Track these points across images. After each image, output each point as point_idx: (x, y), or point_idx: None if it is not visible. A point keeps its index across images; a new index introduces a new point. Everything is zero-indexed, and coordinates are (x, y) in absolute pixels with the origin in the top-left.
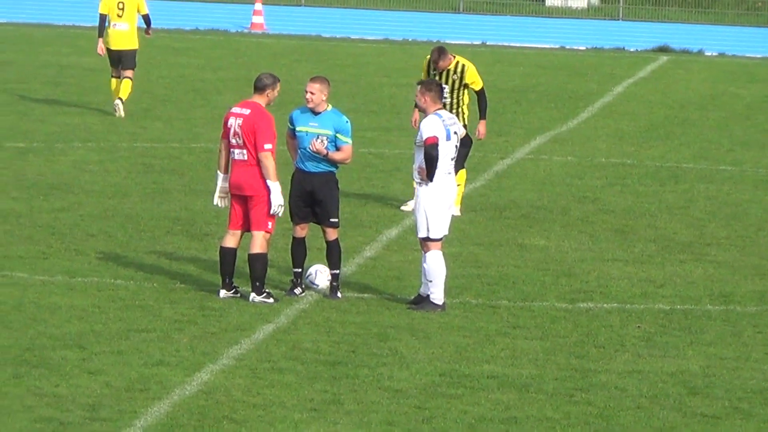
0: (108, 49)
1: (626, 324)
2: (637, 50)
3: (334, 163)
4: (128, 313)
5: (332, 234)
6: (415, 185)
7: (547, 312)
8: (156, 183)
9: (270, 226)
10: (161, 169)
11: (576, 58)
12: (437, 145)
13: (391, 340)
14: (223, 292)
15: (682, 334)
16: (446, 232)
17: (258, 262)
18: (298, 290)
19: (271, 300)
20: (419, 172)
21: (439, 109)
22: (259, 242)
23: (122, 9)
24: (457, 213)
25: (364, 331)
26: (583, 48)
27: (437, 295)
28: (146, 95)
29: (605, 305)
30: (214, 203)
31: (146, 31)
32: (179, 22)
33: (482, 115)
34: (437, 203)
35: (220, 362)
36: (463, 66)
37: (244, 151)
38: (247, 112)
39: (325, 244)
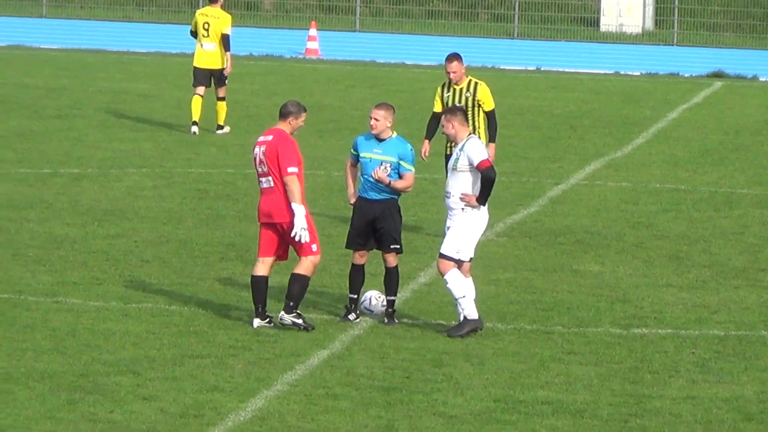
0: (195, 67)
1: (681, 350)
2: (691, 76)
3: (396, 191)
4: (182, 339)
5: (393, 260)
6: (450, 212)
7: (602, 338)
8: (210, 209)
9: (315, 249)
10: (215, 195)
11: (630, 84)
12: (493, 167)
13: (445, 365)
14: (257, 321)
15: (736, 360)
16: (471, 255)
17: (297, 282)
18: (352, 316)
19: (300, 321)
20: (463, 198)
21: (470, 134)
22: (305, 265)
23: (207, 30)
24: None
25: (419, 357)
26: (637, 73)
27: (469, 311)
28: (202, 122)
29: (660, 331)
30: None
31: (228, 62)
32: (234, 48)
33: (491, 138)
34: (476, 227)
35: (274, 388)
36: (476, 84)
37: (270, 179)
38: (269, 138)
39: (380, 270)
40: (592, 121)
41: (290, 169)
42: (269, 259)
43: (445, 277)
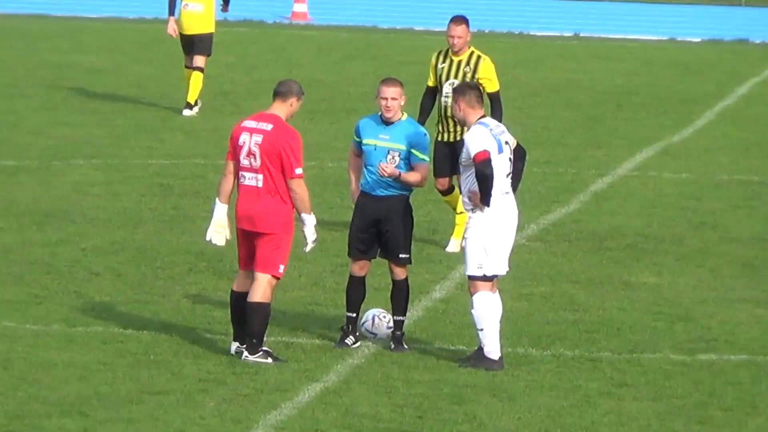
0: (180, 35)
1: (758, 380)
2: (763, 42)
3: (407, 186)
4: (141, 371)
5: (401, 272)
6: (466, 214)
7: (660, 366)
8: (176, 209)
9: (281, 270)
10: (182, 191)
11: (690, 53)
12: (490, 160)
13: (467, 402)
14: (234, 346)
15: None
16: (506, 269)
17: (257, 313)
18: (350, 340)
19: (270, 360)
20: (471, 198)
21: (482, 117)
22: (262, 288)
23: None
24: (455, 248)
25: (434, 392)
26: (697, 40)
27: (491, 348)
28: (164, 101)
29: (732, 357)
30: (207, 238)
31: (223, 7)
32: None
33: None
34: (494, 232)
35: None
36: (478, 57)
37: (260, 177)
38: (267, 127)
39: (385, 284)
40: (643, 99)
41: (298, 170)
42: (251, 272)
43: (473, 297)
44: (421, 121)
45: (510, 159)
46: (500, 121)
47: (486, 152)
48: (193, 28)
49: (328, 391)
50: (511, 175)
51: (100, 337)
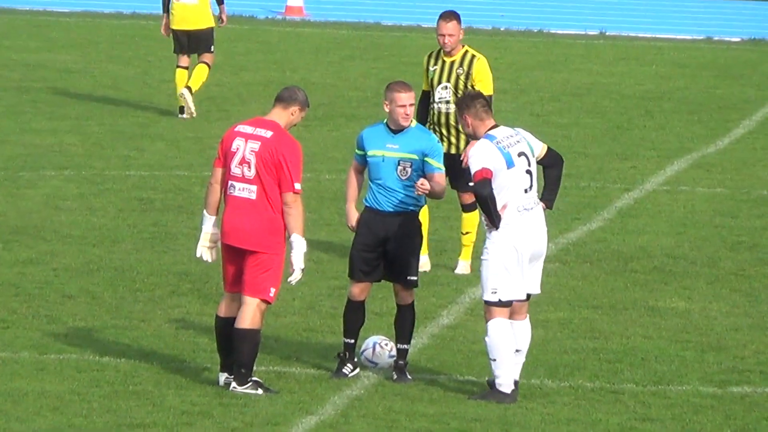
0: (173, 31)
1: None
2: None
3: (418, 202)
4: (119, 402)
5: (408, 297)
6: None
7: (689, 399)
8: (157, 225)
9: (272, 294)
10: (163, 206)
11: (727, 54)
12: (490, 180)
13: None
14: (223, 377)
15: None
16: (532, 292)
17: (245, 341)
18: (347, 369)
19: (260, 391)
20: (486, 220)
21: (492, 127)
22: (250, 313)
23: None
24: (465, 270)
25: (440, 427)
26: (737, 39)
27: (503, 380)
28: (142, 105)
29: (767, 390)
30: (197, 254)
31: (219, 17)
32: None
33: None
34: (511, 254)
35: None
36: (473, 57)
37: (253, 188)
38: (267, 134)
39: (386, 309)
40: (675, 105)
41: (297, 186)
42: (238, 295)
43: (486, 325)
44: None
45: (528, 171)
46: None
47: (485, 171)
48: (188, 23)
49: (324, 425)
50: (532, 189)
51: (74, 365)
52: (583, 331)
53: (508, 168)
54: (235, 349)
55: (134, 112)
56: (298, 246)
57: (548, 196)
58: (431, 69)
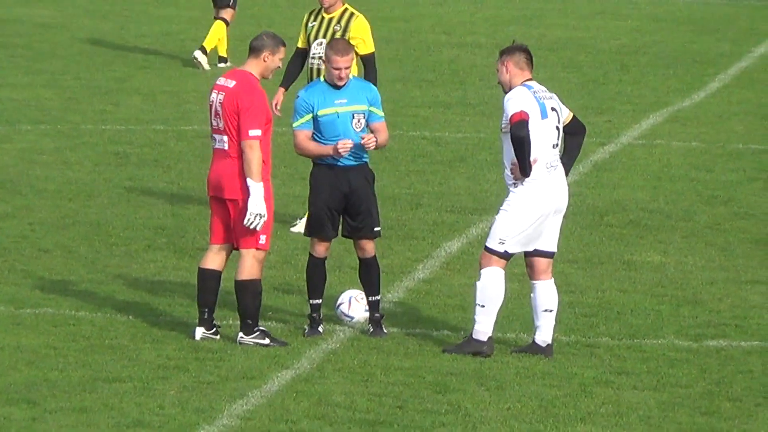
0: None
1: None
2: None
3: (375, 150)
4: (94, 356)
5: (372, 248)
6: (508, 187)
7: (664, 353)
8: (132, 179)
9: (263, 241)
10: (139, 160)
11: (703, 8)
12: (527, 122)
13: (451, 391)
14: (200, 331)
15: None
16: (552, 250)
17: (247, 292)
18: (322, 328)
19: (266, 341)
20: (512, 170)
21: (528, 80)
22: (248, 264)
23: None
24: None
25: (416, 380)
26: None
27: (482, 327)
28: (119, 60)
29: (742, 343)
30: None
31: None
32: None
33: None
34: (529, 208)
35: (219, 422)
36: (351, 15)
37: (225, 139)
38: (231, 84)
39: (339, 264)
40: (651, 59)
41: (252, 132)
42: (223, 247)
43: (482, 270)
44: (285, 87)
45: (558, 128)
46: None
47: (523, 113)
48: None
49: (300, 379)
50: (558, 146)
51: (50, 319)
52: (559, 285)
53: (542, 118)
54: (239, 300)
55: (110, 66)
56: (254, 191)
57: (567, 161)
58: (309, 25)
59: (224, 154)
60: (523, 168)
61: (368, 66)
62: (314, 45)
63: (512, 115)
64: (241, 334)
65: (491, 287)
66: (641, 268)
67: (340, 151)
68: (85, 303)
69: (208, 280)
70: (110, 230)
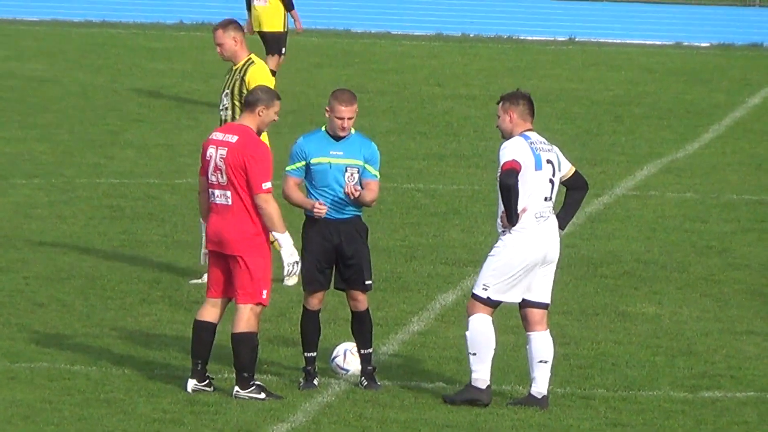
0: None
1: (766, 420)
2: None
3: (362, 206)
4: (90, 410)
5: (364, 301)
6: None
7: (660, 404)
8: (127, 233)
9: (264, 296)
10: (134, 214)
11: (697, 59)
12: (517, 172)
13: None
14: (192, 383)
15: None
16: (545, 301)
17: (244, 345)
18: (317, 381)
19: (262, 395)
20: (502, 218)
21: (528, 130)
22: (246, 318)
23: None
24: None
25: None
26: (706, 44)
27: (480, 375)
28: (112, 113)
29: (738, 394)
30: (201, 262)
31: (295, 23)
32: (158, 14)
33: None
34: (514, 256)
35: None
36: (250, 63)
37: (228, 193)
38: (233, 139)
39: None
40: (645, 110)
41: (265, 185)
42: (220, 301)
43: (470, 318)
44: None
45: (551, 181)
46: None
47: (514, 162)
48: (260, 25)
49: None
50: (551, 200)
51: (45, 373)
52: (554, 337)
53: (536, 169)
54: (235, 353)
55: (104, 120)
56: (284, 243)
57: (563, 215)
58: (226, 77)
59: (227, 209)
60: (510, 217)
61: None
62: (222, 96)
63: (504, 163)
64: (237, 388)
65: (479, 334)
66: (636, 320)
67: (314, 211)
68: (81, 357)
69: (204, 332)
70: (105, 284)
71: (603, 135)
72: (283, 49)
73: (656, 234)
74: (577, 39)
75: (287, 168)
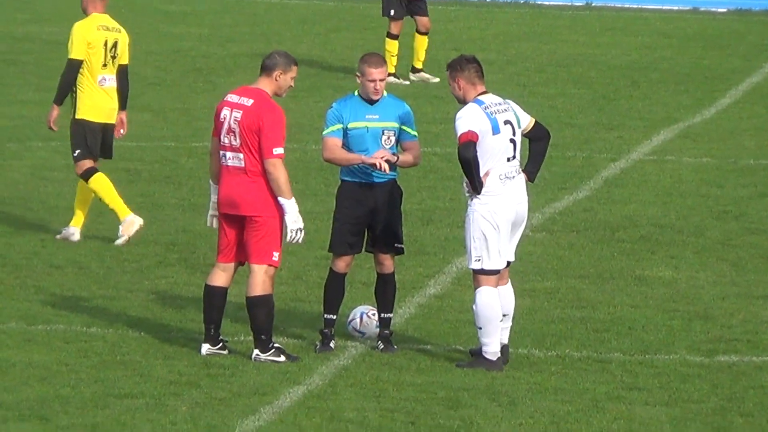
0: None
1: None
2: None
3: (403, 167)
4: (107, 372)
5: (391, 264)
6: (466, 199)
7: (676, 368)
8: (144, 196)
9: (276, 258)
10: (150, 177)
11: (714, 24)
12: (474, 144)
13: (463, 407)
14: (206, 347)
15: None
16: (509, 259)
17: (261, 308)
18: (333, 343)
19: (282, 358)
20: (468, 185)
21: (482, 93)
22: (260, 280)
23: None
24: (77, 237)
25: (427, 396)
26: (723, 10)
27: (490, 348)
28: (131, 77)
29: (754, 358)
30: (208, 224)
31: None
32: None
33: (122, 105)
34: (491, 221)
35: None
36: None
37: (241, 156)
38: (248, 102)
39: (358, 279)
40: (661, 75)
41: (276, 150)
42: (231, 265)
43: (476, 291)
44: (59, 103)
45: (512, 140)
46: (127, 99)
47: (470, 133)
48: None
49: (312, 395)
50: (515, 158)
51: (61, 335)
52: (570, 301)
53: (494, 134)
54: (251, 316)
55: None
56: (289, 208)
57: (531, 168)
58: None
59: (240, 170)
60: (474, 186)
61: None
62: None
63: (460, 135)
64: (256, 351)
65: (484, 307)
66: (653, 284)
67: (377, 161)
68: (97, 319)
69: (215, 297)
70: (121, 247)
71: (620, 100)
72: (392, 11)
73: (673, 199)
74: (594, 4)
75: (325, 132)
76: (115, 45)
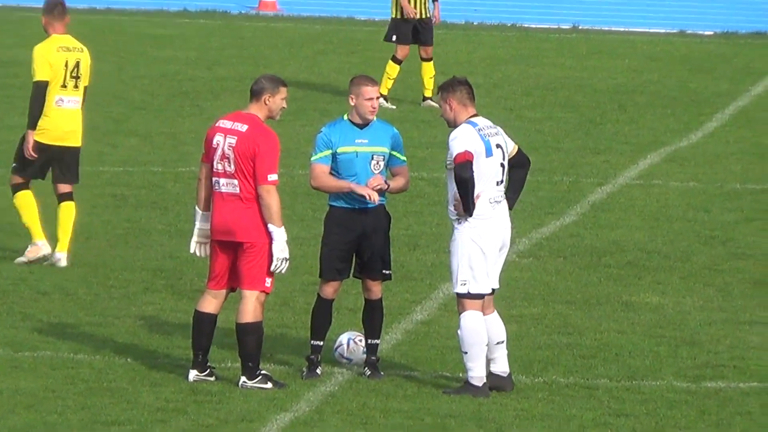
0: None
1: None
2: None
3: (392, 193)
4: (93, 399)
5: (379, 291)
6: (452, 223)
7: (663, 394)
8: (130, 221)
9: (268, 284)
10: (137, 202)
11: (700, 47)
12: (471, 163)
13: None
14: (193, 374)
15: None
16: (494, 286)
17: (251, 335)
18: (320, 370)
19: (269, 385)
20: (455, 206)
21: (473, 116)
22: (251, 307)
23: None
24: (63, 263)
25: (414, 423)
26: (709, 33)
27: (475, 373)
28: (117, 101)
29: (741, 384)
30: (191, 250)
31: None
32: (162, 1)
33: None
34: (479, 245)
35: None
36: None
37: (235, 182)
38: (243, 128)
39: (344, 305)
40: (648, 99)
41: (271, 177)
42: (222, 292)
43: (461, 316)
44: (33, 128)
45: (502, 165)
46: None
47: (467, 154)
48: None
49: (299, 422)
50: (503, 183)
51: (48, 362)
52: (557, 327)
53: (487, 156)
54: (241, 343)
55: (108, 107)
56: (278, 237)
57: (511, 195)
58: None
59: (235, 197)
60: (467, 207)
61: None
62: None
63: (456, 155)
64: (243, 378)
65: (468, 332)
66: (639, 309)
67: (366, 192)
68: (84, 346)
69: (205, 323)
70: (108, 272)
71: (606, 123)
72: (393, 37)
73: (659, 223)
74: (580, 27)
75: (313, 158)
76: (77, 65)
